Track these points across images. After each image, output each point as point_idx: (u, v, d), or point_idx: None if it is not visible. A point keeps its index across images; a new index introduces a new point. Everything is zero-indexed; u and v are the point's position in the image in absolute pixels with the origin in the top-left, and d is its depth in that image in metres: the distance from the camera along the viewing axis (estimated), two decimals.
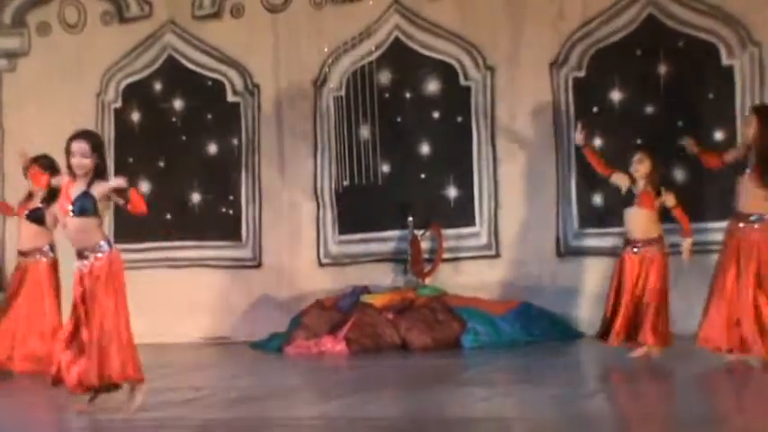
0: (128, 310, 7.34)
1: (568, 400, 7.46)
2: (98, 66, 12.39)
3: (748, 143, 8.69)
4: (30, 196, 9.74)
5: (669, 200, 9.17)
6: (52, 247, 9.62)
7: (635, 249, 9.15)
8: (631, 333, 9.11)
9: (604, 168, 9.36)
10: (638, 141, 10.95)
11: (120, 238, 12.24)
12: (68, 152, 7.29)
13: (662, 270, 9.12)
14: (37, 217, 9.55)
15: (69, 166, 7.32)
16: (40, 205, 9.54)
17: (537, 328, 10.73)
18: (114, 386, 7.34)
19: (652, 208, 9.14)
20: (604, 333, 9.19)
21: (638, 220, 9.16)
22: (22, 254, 9.73)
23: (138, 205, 7.33)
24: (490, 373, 9.12)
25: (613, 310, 9.16)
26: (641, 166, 9.19)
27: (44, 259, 9.63)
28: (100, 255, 7.27)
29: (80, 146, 7.27)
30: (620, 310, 9.08)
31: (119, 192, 7.26)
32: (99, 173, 7.33)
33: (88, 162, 7.25)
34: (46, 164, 9.32)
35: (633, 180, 9.21)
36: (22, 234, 9.73)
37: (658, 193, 9.16)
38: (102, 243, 7.30)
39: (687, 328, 9.35)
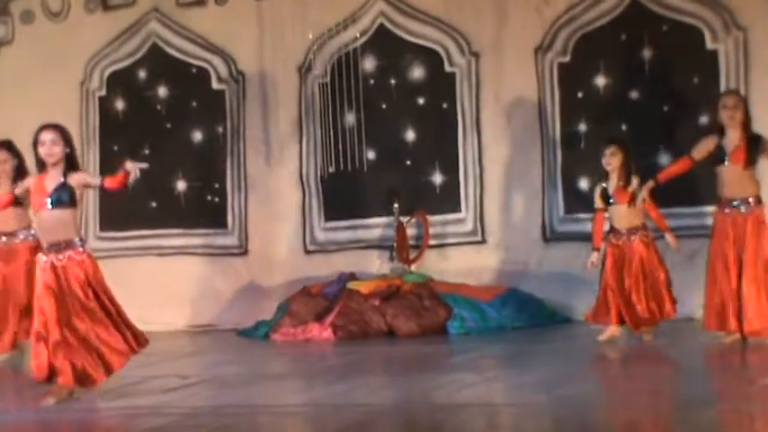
0: (115, 304, 7.31)
1: (556, 385, 7.47)
2: (82, 54, 12.35)
3: (725, 126, 8.72)
4: None
5: (643, 194, 9.19)
6: (28, 227, 9.57)
7: (616, 238, 9.23)
8: (622, 318, 9.19)
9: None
10: (623, 127, 10.97)
11: (105, 226, 12.26)
12: (36, 143, 7.25)
13: (648, 256, 9.18)
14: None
15: (38, 159, 7.27)
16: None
17: (524, 313, 10.73)
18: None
19: (628, 202, 9.21)
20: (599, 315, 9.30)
21: (619, 214, 9.26)
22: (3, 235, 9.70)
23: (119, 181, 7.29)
24: (477, 359, 9.13)
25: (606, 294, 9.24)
26: (614, 159, 9.24)
27: (23, 240, 9.60)
28: (80, 250, 7.21)
29: (49, 135, 7.24)
30: (612, 295, 9.16)
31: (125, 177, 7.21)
32: (71, 163, 7.30)
33: (59, 150, 7.22)
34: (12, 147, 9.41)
35: (606, 174, 9.26)
36: None
37: (628, 183, 9.20)
38: (78, 240, 7.26)
39: (679, 311, 9.40)
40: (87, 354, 7.22)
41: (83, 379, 7.25)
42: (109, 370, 7.33)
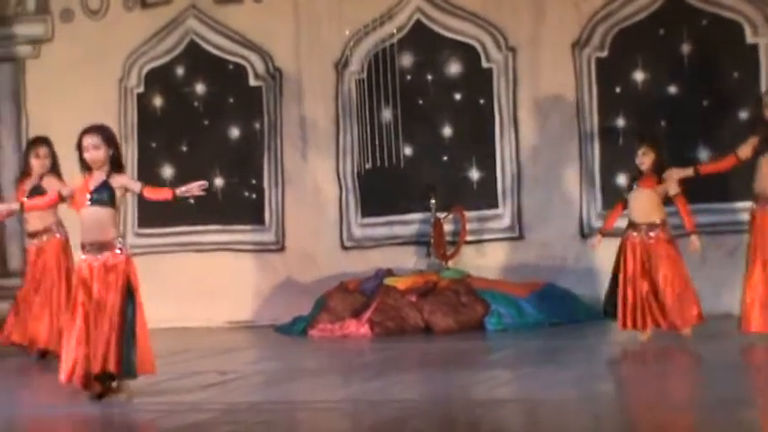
0: (142, 309, 7.31)
1: (593, 382, 7.46)
2: (121, 51, 12.40)
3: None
4: (25, 175, 9.80)
5: (672, 187, 9.12)
6: (60, 225, 9.67)
7: (635, 233, 9.14)
8: (641, 318, 9.09)
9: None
10: (662, 122, 10.91)
11: (143, 222, 12.32)
12: (80, 147, 7.29)
13: (669, 256, 9.08)
14: (37, 194, 9.59)
15: (83, 162, 7.31)
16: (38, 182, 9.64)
17: (561, 309, 10.70)
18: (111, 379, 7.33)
19: (653, 187, 9.11)
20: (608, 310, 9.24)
21: (640, 203, 9.15)
22: (31, 235, 9.79)
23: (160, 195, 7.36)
24: (514, 355, 9.12)
25: (619, 292, 9.16)
26: (646, 159, 9.17)
27: (56, 237, 9.69)
28: (118, 251, 7.25)
29: (91, 139, 7.27)
30: (625, 294, 9.09)
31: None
32: (115, 165, 7.33)
33: (101, 154, 7.25)
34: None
35: (639, 171, 9.20)
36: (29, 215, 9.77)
37: (660, 178, 9.12)
38: (118, 241, 7.28)
39: (713, 308, 9.34)
40: (83, 359, 7.22)
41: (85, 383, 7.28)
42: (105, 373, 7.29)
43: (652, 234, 9.11)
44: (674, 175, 9.09)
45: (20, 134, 12.50)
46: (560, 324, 10.49)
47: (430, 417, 6.65)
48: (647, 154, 9.18)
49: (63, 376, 7.28)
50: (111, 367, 7.15)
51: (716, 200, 10.27)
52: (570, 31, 11.29)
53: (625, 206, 9.33)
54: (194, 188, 7.28)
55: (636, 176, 9.25)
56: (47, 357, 9.61)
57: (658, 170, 9.16)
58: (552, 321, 10.54)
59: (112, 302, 7.17)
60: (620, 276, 9.17)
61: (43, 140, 9.90)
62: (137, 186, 7.38)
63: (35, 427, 7.01)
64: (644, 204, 9.13)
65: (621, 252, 9.20)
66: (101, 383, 7.24)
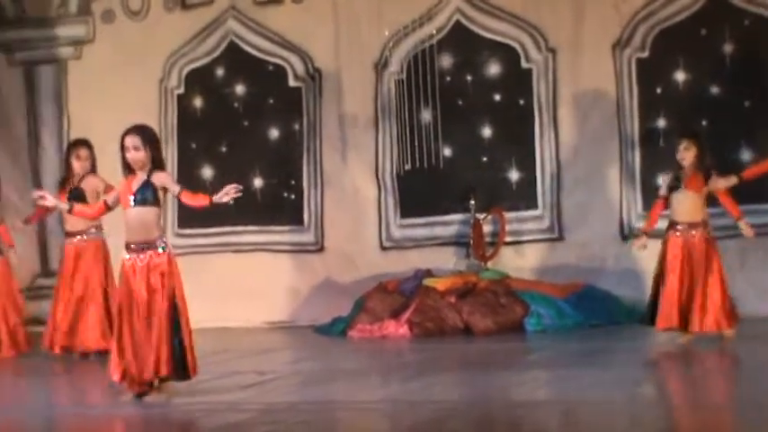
0: (186, 309, 7.35)
1: (632, 383, 7.42)
2: (161, 52, 12.46)
3: None
4: (67, 180, 9.90)
5: (720, 182, 9.06)
6: (99, 226, 9.76)
7: (677, 232, 9.09)
8: (680, 318, 9.03)
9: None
10: (703, 123, 10.85)
11: (183, 223, 12.37)
12: (122, 147, 7.34)
13: (708, 254, 9.02)
14: (78, 196, 9.67)
15: (125, 162, 7.35)
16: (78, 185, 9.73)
17: (601, 311, 10.65)
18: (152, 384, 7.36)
19: (699, 191, 9.06)
20: (651, 318, 9.17)
21: (684, 204, 9.09)
22: (69, 235, 9.88)
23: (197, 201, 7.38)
24: (553, 356, 9.08)
25: (661, 292, 9.11)
26: (688, 154, 9.11)
27: (94, 238, 9.77)
28: (160, 251, 7.29)
29: (132, 140, 7.31)
30: (668, 293, 9.03)
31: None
32: (156, 164, 7.37)
33: (142, 155, 7.29)
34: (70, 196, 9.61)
35: (680, 167, 9.14)
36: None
37: (707, 178, 9.07)
38: (160, 242, 7.31)
39: (755, 310, 9.26)
40: (134, 359, 7.26)
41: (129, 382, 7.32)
42: (147, 378, 7.32)
43: (694, 233, 9.06)
44: (718, 184, 9.04)
45: (61, 135, 12.58)
46: (600, 326, 10.44)
47: (469, 418, 6.63)
48: (689, 149, 9.12)
49: (115, 376, 7.33)
50: (164, 370, 7.21)
51: (756, 201, 10.18)
52: (611, 31, 11.24)
53: (666, 204, 9.27)
54: (231, 191, 7.29)
55: (679, 175, 9.17)
56: (88, 357, 9.68)
57: (701, 169, 9.09)
58: (592, 323, 10.49)
59: (159, 304, 7.21)
60: (662, 276, 9.12)
61: (83, 142, 10.01)
62: (176, 189, 7.40)
63: (77, 428, 7.05)
64: (688, 206, 9.09)
65: (663, 252, 9.15)
66: (149, 384, 7.28)
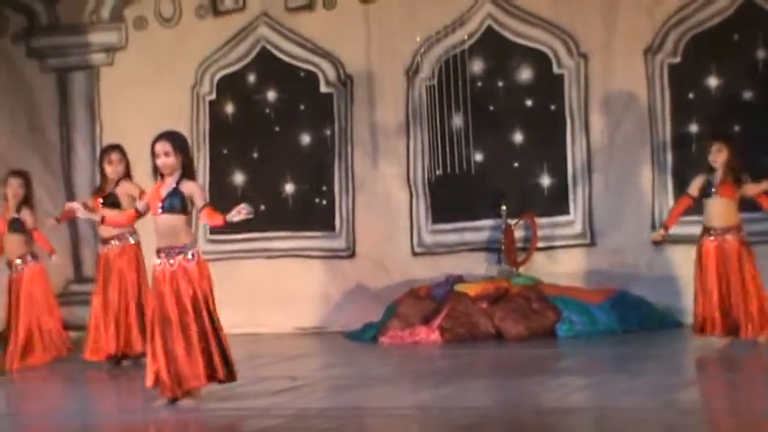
0: (216, 312, 7.37)
1: (666, 390, 7.38)
2: (193, 58, 12.50)
3: None
4: (101, 189, 9.96)
5: (751, 189, 9.03)
6: (133, 231, 9.80)
7: (711, 237, 9.04)
8: (721, 323, 8.99)
9: None
10: (736, 128, 10.79)
11: (215, 230, 12.39)
12: (153, 153, 7.37)
13: (742, 259, 8.98)
14: (113, 202, 9.73)
15: (156, 168, 7.39)
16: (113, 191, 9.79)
17: (633, 317, 10.60)
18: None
19: (732, 197, 9.03)
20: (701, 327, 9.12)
21: (718, 209, 9.05)
22: (104, 241, 9.93)
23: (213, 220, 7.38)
24: (586, 362, 9.05)
25: (697, 298, 9.08)
26: (720, 156, 9.07)
27: (128, 243, 9.82)
28: (190, 256, 7.31)
29: (163, 146, 7.35)
30: (706, 299, 8.99)
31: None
32: (186, 171, 7.40)
33: (172, 161, 7.33)
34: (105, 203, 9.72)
35: (712, 169, 9.09)
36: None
37: (738, 182, 9.03)
38: (190, 246, 7.34)
39: None
40: (166, 365, 7.28)
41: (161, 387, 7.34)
42: (182, 387, 7.33)
43: (728, 237, 9.03)
44: (750, 191, 9.01)
45: (94, 141, 12.65)
46: (633, 332, 10.39)
47: (501, 424, 6.62)
48: (722, 151, 9.08)
49: (148, 381, 7.35)
50: (221, 374, 7.24)
51: None
52: (643, 36, 11.20)
53: (691, 203, 9.22)
54: (243, 211, 7.26)
55: (711, 180, 9.12)
56: (124, 363, 9.70)
57: (733, 173, 9.04)
58: (624, 329, 10.44)
59: (191, 310, 7.23)
60: (698, 282, 9.10)
61: (115, 147, 10.09)
62: (200, 203, 7.40)
63: None
64: (721, 211, 9.07)
65: (699, 258, 9.12)
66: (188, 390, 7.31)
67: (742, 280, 8.97)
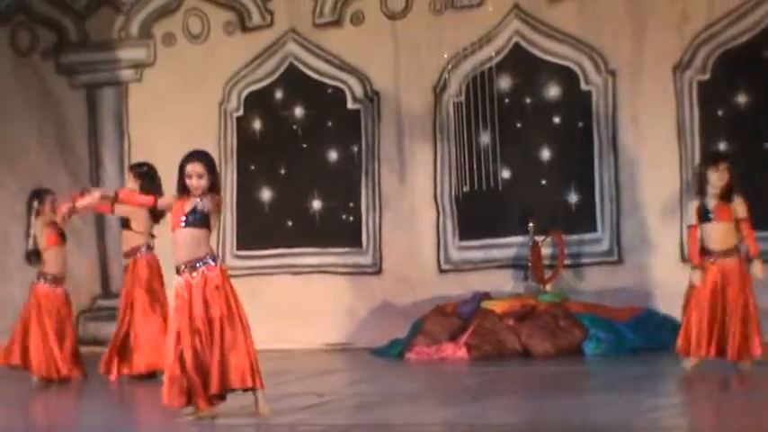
0: (246, 318, 7.37)
1: (692, 409, 7.33)
2: (221, 75, 12.56)
3: None
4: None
5: (740, 210, 8.91)
6: (150, 246, 9.84)
7: (711, 260, 8.95)
8: (716, 345, 8.90)
9: None
10: (766, 145, 10.74)
11: (242, 245, 12.43)
12: (183, 173, 7.35)
13: (742, 281, 8.89)
14: (148, 173, 9.81)
15: (183, 186, 7.36)
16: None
17: (661, 335, 10.52)
18: (220, 397, 7.36)
19: (729, 219, 8.93)
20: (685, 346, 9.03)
21: (716, 234, 8.94)
22: (125, 255, 10.00)
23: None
24: (613, 380, 8.99)
25: (686, 318, 9.00)
26: (726, 175, 8.89)
27: (145, 257, 9.85)
28: (212, 265, 7.32)
29: (195, 167, 7.31)
30: (701, 321, 8.91)
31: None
32: (212, 190, 7.40)
33: (204, 183, 7.32)
34: (141, 172, 9.69)
35: (702, 192, 8.93)
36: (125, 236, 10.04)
37: (730, 201, 8.92)
38: (210, 257, 7.36)
39: None
40: (197, 377, 7.27)
41: (194, 402, 7.33)
42: (211, 396, 7.34)
43: (728, 260, 8.93)
44: (741, 214, 8.91)
45: (122, 156, 12.72)
46: (660, 350, 10.32)
47: None
48: (727, 171, 8.94)
49: (172, 400, 7.33)
50: (257, 384, 7.26)
51: None
52: (671, 53, 11.17)
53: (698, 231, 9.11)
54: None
55: (707, 205, 8.97)
56: (146, 378, 9.71)
57: (727, 196, 8.94)
58: (652, 347, 10.38)
59: (231, 318, 7.24)
60: (689, 301, 9.00)
61: (139, 165, 10.13)
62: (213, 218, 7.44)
63: None
64: (722, 235, 8.95)
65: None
66: (218, 400, 7.30)
67: (745, 302, 8.86)
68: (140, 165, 10.15)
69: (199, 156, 7.38)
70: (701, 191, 8.95)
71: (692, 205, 9.06)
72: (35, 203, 10.00)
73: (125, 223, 10.05)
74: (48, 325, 9.82)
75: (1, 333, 11.28)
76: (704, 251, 9.02)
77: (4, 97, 12.84)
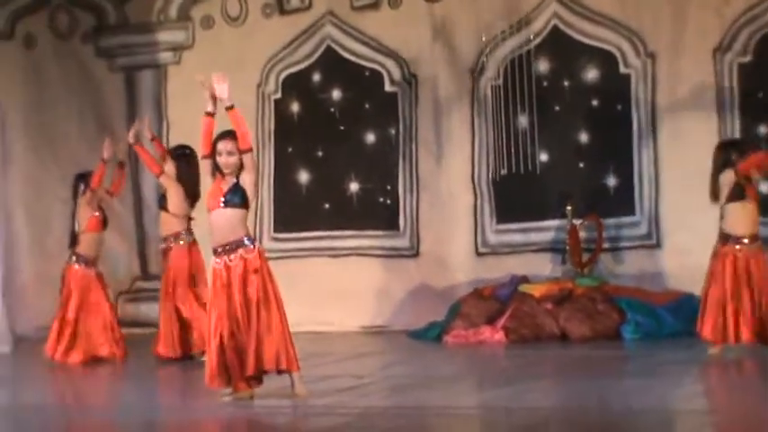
0: (281, 301, 7.41)
1: (731, 393, 7.30)
2: (259, 57, 12.57)
3: None
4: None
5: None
6: (189, 231, 9.91)
7: (738, 246, 8.88)
8: (727, 330, 8.86)
9: None
10: None
11: (279, 227, 12.46)
12: (214, 152, 7.42)
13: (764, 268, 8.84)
14: (184, 153, 9.92)
15: (217, 166, 7.43)
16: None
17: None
18: (257, 379, 7.40)
19: (758, 201, 8.88)
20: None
21: (747, 216, 8.87)
22: (163, 240, 10.09)
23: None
24: (651, 364, 8.96)
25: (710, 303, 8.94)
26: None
27: (184, 242, 9.92)
28: (251, 247, 7.36)
29: (226, 145, 7.42)
30: (720, 306, 8.85)
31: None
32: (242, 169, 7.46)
33: (234, 160, 7.40)
34: (177, 154, 9.87)
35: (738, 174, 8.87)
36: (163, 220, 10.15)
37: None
38: (247, 239, 7.39)
39: None
40: (235, 359, 7.31)
41: (233, 384, 7.37)
42: (248, 377, 7.37)
43: (754, 246, 8.89)
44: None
45: (161, 139, 12.75)
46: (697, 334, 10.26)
47: (564, 425, 6.59)
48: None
49: (213, 381, 7.38)
50: (292, 367, 7.30)
51: None
52: (711, 36, 11.09)
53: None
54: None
55: (742, 184, 8.92)
56: (194, 359, 9.75)
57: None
58: (691, 331, 10.31)
59: (267, 300, 7.28)
60: (714, 288, 8.93)
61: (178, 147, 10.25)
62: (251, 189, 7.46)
63: (177, 429, 7.13)
64: (752, 216, 8.90)
65: (719, 265, 8.94)
66: (255, 382, 7.34)
67: (762, 289, 8.83)
68: (179, 147, 10.23)
69: (228, 134, 7.50)
70: (735, 173, 8.88)
71: (728, 176, 8.95)
72: (81, 186, 10.12)
73: (162, 203, 10.11)
74: (73, 307, 9.93)
75: (41, 313, 11.40)
76: (731, 237, 8.95)
77: (46, 82, 12.91)
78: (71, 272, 10.04)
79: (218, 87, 7.52)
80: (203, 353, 9.58)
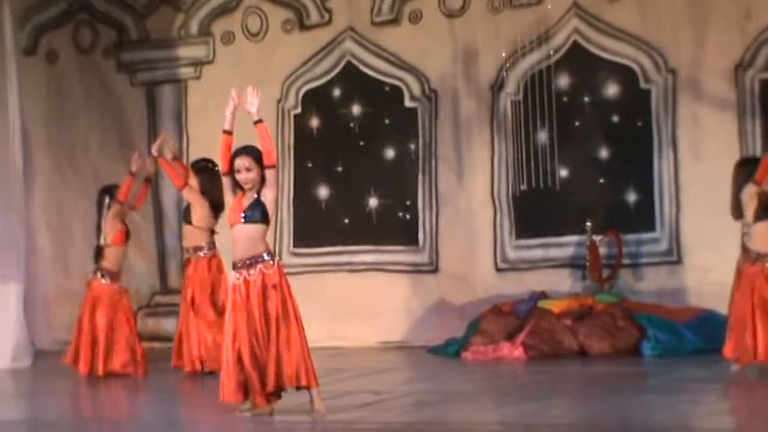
0: (300, 316, 7.41)
1: (753, 412, 7.26)
2: (279, 73, 12.60)
3: None
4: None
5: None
6: (212, 244, 9.93)
7: (758, 264, 8.90)
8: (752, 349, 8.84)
9: None
10: None
11: (299, 242, 12.47)
12: (232, 168, 7.45)
13: None
14: (207, 167, 9.96)
15: (236, 183, 7.46)
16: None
17: (721, 337, 10.41)
18: (277, 394, 7.40)
19: None
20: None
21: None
22: (186, 252, 10.12)
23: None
24: (671, 381, 8.93)
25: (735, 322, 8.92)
26: None
27: (207, 255, 9.94)
28: (270, 262, 7.38)
29: (243, 161, 7.45)
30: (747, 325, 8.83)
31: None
32: (264, 183, 7.47)
33: (253, 176, 7.43)
34: (199, 167, 9.86)
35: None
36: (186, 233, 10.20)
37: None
38: (267, 254, 7.41)
39: None
40: (254, 374, 7.30)
41: (251, 399, 7.37)
42: (269, 393, 7.37)
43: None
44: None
45: (181, 154, 12.79)
46: (720, 351, 10.21)
47: None
48: None
49: (230, 396, 7.38)
50: (311, 382, 7.31)
51: None
52: (733, 52, 11.06)
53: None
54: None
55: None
56: (211, 375, 9.76)
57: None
58: (712, 349, 10.27)
59: (286, 316, 7.29)
60: (738, 307, 8.90)
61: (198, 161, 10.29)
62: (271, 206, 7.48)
63: None
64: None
65: (743, 283, 8.92)
66: (274, 397, 7.34)
67: None
68: (200, 161, 10.26)
69: (246, 150, 7.51)
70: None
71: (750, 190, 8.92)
72: (106, 199, 10.15)
73: (186, 217, 10.13)
74: (100, 321, 9.93)
75: (61, 327, 11.44)
76: (754, 254, 8.93)
77: (68, 96, 12.98)
78: (96, 286, 10.04)
79: (250, 100, 7.52)
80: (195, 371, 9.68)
